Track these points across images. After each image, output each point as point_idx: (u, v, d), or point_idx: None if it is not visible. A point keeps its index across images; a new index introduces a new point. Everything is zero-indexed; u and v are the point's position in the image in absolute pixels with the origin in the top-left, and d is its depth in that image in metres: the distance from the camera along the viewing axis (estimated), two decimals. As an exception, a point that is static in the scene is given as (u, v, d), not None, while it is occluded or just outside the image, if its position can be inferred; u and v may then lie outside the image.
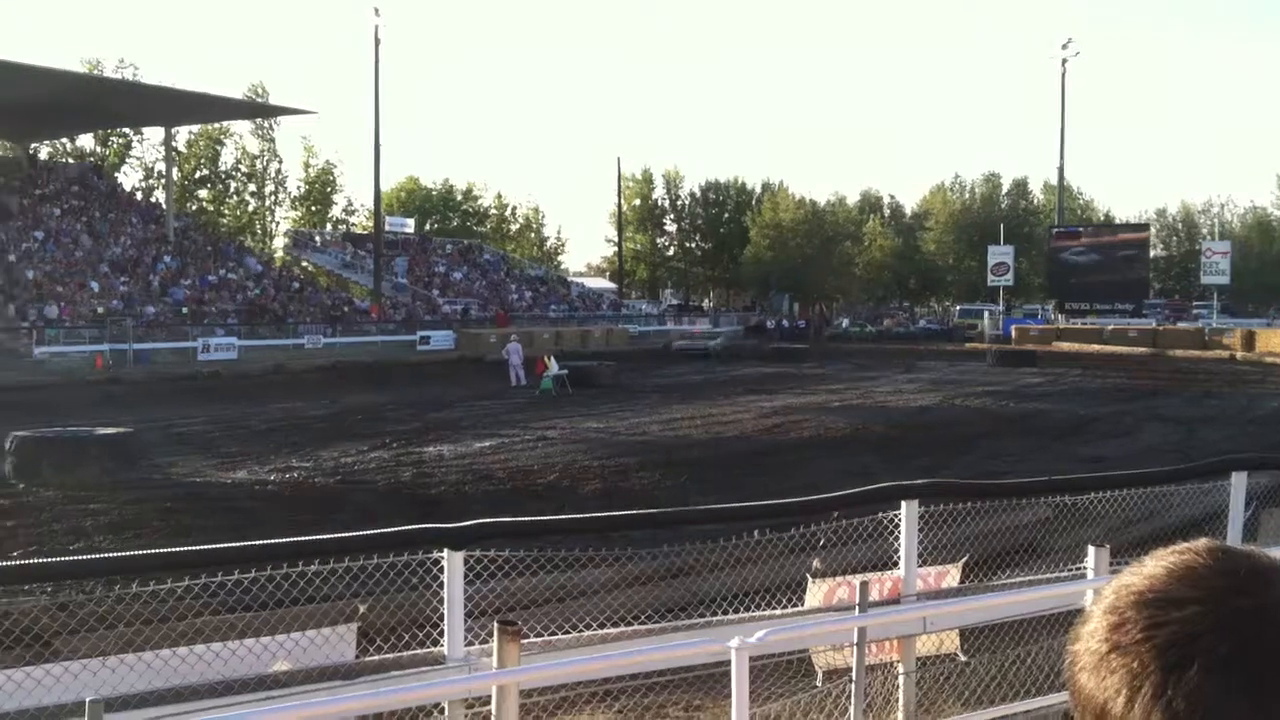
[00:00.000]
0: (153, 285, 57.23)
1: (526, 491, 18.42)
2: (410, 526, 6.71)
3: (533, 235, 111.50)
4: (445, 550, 6.19)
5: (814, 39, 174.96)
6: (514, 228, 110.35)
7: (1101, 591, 1.17)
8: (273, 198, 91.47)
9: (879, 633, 6.47)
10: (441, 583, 6.18)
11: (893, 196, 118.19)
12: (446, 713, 5.72)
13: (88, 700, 3.78)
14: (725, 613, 7.60)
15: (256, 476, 20.02)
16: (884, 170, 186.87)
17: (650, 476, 19.86)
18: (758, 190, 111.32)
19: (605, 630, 7.24)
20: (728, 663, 4.97)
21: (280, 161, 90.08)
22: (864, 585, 6.07)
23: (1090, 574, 6.28)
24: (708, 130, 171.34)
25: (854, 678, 5.95)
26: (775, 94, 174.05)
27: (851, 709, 5.94)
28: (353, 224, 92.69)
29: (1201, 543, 1.16)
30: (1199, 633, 1.05)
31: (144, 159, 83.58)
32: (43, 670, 5.38)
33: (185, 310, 55.47)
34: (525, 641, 5.72)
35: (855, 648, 5.90)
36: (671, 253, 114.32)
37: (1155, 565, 1.17)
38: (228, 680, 5.55)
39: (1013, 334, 71.90)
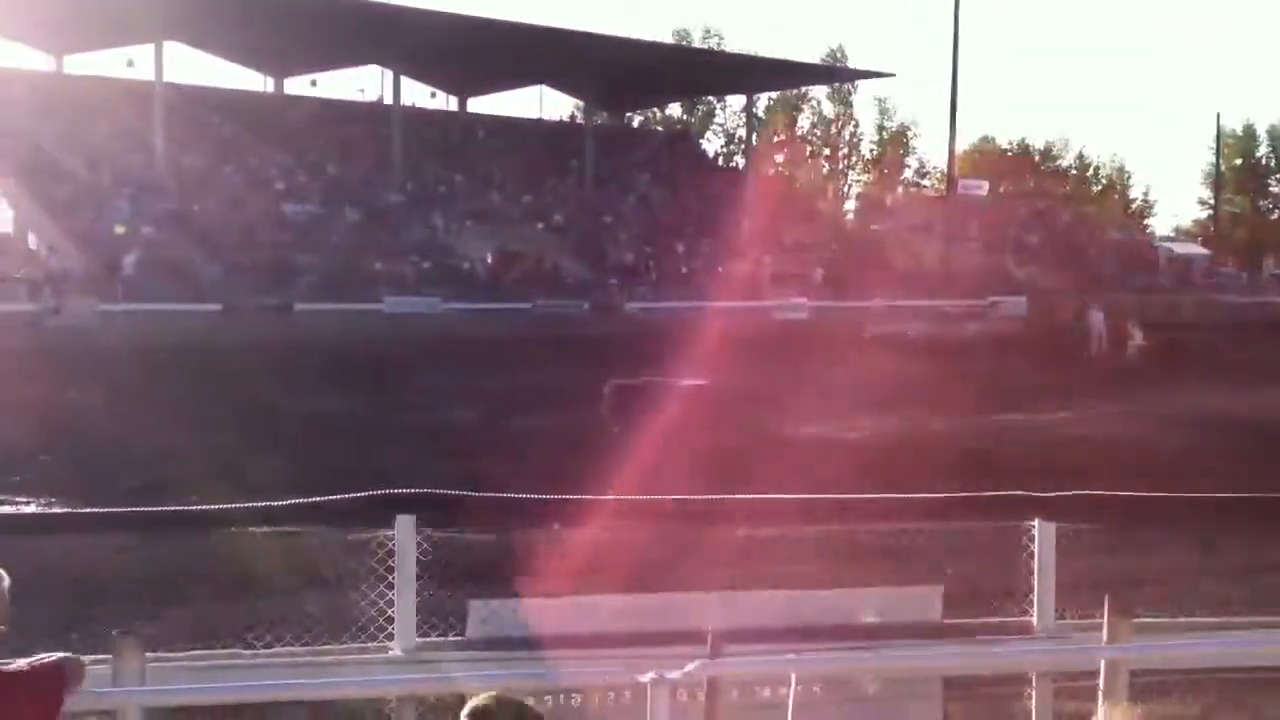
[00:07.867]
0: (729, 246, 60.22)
1: (1112, 466, 17.54)
2: (1000, 492, 6.57)
3: (1116, 197, 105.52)
4: (1035, 519, 6.01)
5: None
6: (1096, 189, 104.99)
7: None
8: (846, 161, 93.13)
9: None
10: (1031, 552, 6.01)
11: None
12: (1034, 682, 5.58)
13: (709, 630, 4.02)
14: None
15: (825, 433, 20.60)
16: None
17: (1253, 460, 18.21)
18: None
19: (1201, 618, 6.77)
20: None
21: (856, 125, 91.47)
22: None
23: None
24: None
25: None
26: None
27: None
28: (924, 186, 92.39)
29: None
30: None
31: (725, 125, 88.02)
32: (647, 599, 5.82)
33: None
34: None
35: None
36: (1277, 217, 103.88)
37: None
38: (818, 625, 5.71)
39: None
